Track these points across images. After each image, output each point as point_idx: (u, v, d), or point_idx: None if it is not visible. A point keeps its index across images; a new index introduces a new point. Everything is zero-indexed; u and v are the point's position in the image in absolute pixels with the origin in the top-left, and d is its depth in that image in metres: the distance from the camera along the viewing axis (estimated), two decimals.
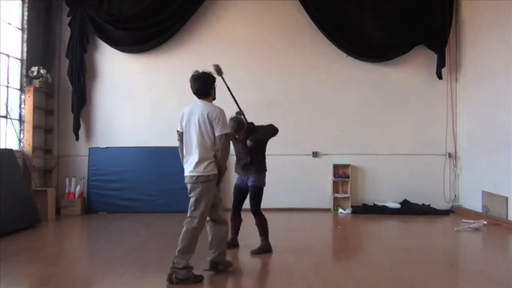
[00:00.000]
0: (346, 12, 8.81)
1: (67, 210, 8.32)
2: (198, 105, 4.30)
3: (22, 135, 8.08)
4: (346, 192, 8.77)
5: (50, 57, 8.88)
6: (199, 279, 4.17)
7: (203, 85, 4.33)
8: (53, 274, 4.50)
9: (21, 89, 8.16)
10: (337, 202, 8.75)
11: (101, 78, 9.04)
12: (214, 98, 4.46)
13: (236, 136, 5.19)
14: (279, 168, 7.99)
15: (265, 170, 5.36)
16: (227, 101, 4.93)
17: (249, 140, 5.17)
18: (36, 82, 8.21)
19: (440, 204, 8.62)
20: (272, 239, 5.48)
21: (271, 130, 5.39)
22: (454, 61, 8.90)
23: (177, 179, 8.51)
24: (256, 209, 5.25)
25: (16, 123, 8.04)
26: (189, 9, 8.79)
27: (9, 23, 7.89)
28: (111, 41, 8.90)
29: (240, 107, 5.23)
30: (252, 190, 5.26)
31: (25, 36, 8.20)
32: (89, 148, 8.88)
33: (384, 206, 8.49)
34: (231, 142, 4.67)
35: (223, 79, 4.91)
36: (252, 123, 5.29)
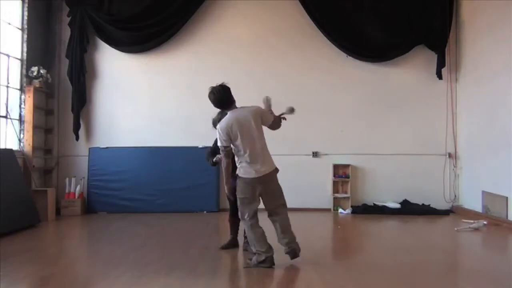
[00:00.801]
0: (346, 12, 8.81)
1: (67, 210, 8.33)
2: (238, 116, 4.52)
3: (22, 135, 8.08)
4: (346, 192, 8.77)
5: (50, 57, 8.89)
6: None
7: (228, 96, 4.60)
8: (53, 274, 4.50)
9: (21, 89, 8.17)
10: (337, 202, 8.75)
11: (101, 78, 9.04)
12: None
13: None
14: (279, 168, 7.97)
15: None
16: None
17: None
18: (36, 82, 8.21)
19: (440, 204, 8.62)
20: (272, 239, 5.49)
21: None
22: (454, 61, 8.90)
23: (177, 179, 8.71)
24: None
25: (16, 123, 8.04)
26: (189, 9, 8.79)
27: (9, 23, 7.89)
28: (111, 41, 8.90)
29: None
30: None
31: (25, 36, 8.21)
32: (89, 148, 8.88)
33: (384, 206, 8.49)
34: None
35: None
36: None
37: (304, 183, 8.79)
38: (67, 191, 8.47)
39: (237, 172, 4.62)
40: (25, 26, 8.21)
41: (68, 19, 8.81)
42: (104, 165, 8.78)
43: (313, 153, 8.90)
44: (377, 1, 8.74)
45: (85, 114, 8.97)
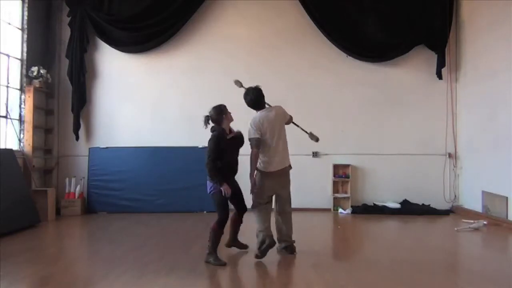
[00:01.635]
0: (346, 12, 8.81)
1: (67, 210, 8.33)
2: (268, 115, 5.10)
3: (22, 135, 8.08)
4: (346, 192, 8.77)
5: (50, 57, 8.88)
6: None
7: (261, 98, 5.23)
8: (53, 274, 4.50)
9: (21, 89, 8.17)
10: (337, 202, 8.75)
11: (101, 78, 9.04)
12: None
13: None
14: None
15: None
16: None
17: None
18: (36, 82, 8.21)
19: (440, 204, 8.62)
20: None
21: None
22: (454, 61, 8.90)
23: (177, 179, 8.70)
24: None
25: (16, 123, 8.04)
26: (189, 9, 8.79)
27: (9, 23, 7.89)
28: (111, 41, 8.90)
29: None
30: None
31: (25, 36, 8.21)
32: (89, 148, 8.88)
33: (384, 206, 8.48)
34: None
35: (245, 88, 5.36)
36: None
37: (304, 183, 8.77)
38: (67, 191, 8.47)
39: (258, 165, 5.08)
40: (25, 26, 8.21)
41: (68, 19, 8.81)
42: (104, 165, 8.78)
43: (313, 153, 8.90)
44: (377, 1, 8.74)
45: (85, 114, 8.97)
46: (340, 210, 8.58)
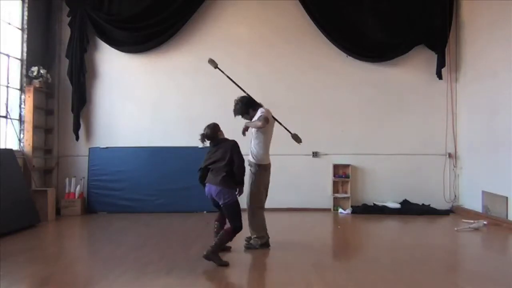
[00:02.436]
0: (346, 12, 8.81)
1: (67, 210, 8.33)
2: (270, 112, 5.47)
3: (22, 135, 8.08)
4: (346, 192, 8.77)
5: (50, 57, 8.88)
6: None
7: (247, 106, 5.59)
8: (53, 274, 4.50)
9: (21, 89, 8.16)
10: (337, 202, 8.75)
11: (101, 78, 9.03)
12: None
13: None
14: (279, 168, 7.97)
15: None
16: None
17: None
18: (36, 82, 8.21)
19: (440, 204, 8.63)
20: (272, 239, 5.52)
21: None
22: (454, 61, 8.90)
23: (177, 179, 8.70)
24: None
25: (16, 123, 8.04)
26: (189, 9, 8.79)
27: (9, 23, 7.89)
28: (111, 41, 8.90)
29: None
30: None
31: (25, 36, 8.20)
32: (89, 148, 8.88)
33: (384, 206, 8.49)
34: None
35: (220, 70, 5.81)
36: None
37: (304, 183, 8.80)
38: (67, 191, 8.47)
39: (257, 160, 5.39)
40: (25, 26, 8.21)
41: (68, 19, 8.80)
42: (104, 165, 8.77)
43: (313, 153, 8.90)
44: (377, 1, 8.74)
45: (85, 114, 8.97)
46: (340, 210, 8.58)
